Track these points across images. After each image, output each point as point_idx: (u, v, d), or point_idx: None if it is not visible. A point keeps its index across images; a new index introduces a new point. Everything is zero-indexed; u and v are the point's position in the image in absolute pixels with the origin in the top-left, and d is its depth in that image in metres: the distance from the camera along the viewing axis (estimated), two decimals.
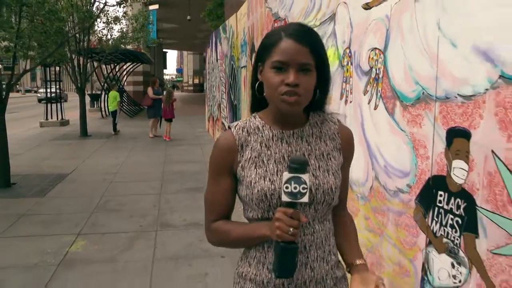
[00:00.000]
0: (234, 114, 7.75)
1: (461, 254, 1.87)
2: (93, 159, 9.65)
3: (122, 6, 11.55)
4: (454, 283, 1.92)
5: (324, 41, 3.20)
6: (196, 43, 43.06)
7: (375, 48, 2.52)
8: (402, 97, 2.26)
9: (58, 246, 4.52)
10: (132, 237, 4.80)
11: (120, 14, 11.99)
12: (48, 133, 14.10)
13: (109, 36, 14.14)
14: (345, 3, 2.91)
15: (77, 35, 12.15)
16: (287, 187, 1.17)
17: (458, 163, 1.86)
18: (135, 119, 19.55)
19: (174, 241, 4.68)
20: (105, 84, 20.30)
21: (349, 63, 2.88)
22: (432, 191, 2.05)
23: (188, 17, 25.26)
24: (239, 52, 6.89)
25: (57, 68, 16.53)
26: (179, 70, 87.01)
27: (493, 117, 1.66)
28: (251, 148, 1.36)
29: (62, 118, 17.04)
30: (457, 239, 1.88)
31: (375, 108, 2.55)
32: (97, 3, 11.89)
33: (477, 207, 1.76)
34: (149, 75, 26.12)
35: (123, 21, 14.36)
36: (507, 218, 1.60)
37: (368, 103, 2.63)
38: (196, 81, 61.73)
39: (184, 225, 5.18)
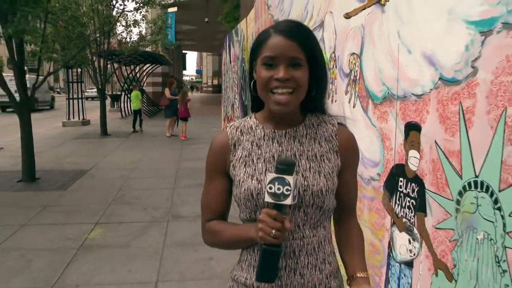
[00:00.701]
0: (245, 113, 8.10)
1: (415, 231, 2.19)
2: (112, 156, 10.12)
3: (139, 11, 12.01)
4: (411, 256, 2.24)
5: None
6: (215, 44, 43.58)
7: (354, 53, 2.85)
8: (373, 97, 2.59)
9: (78, 233, 4.94)
10: (145, 226, 5.19)
11: (139, 17, 12.46)
12: (70, 132, 14.67)
13: (128, 39, 14.68)
14: (331, 12, 3.24)
15: (98, 38, 12.66)
16: (270, 188, 1.16)
17: (412, 153, 2.18)
18: (154, 119, 20.08)
19: (183, 230, 5.06)
20: (125, 85, 20.90)
21: (334, 66, 3.21)
22: (395, 178, 2.37)
23: (206, 19, 25.74)
24: (248, 54, 7.25)
25: (79, 70, 17.12)
26: (199, 71, 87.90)
27: (436, 113, 1.97)
28: (243, 147, 1.37)
29: (83, 118, 17.64)
30: (412, 218, 2.20)
31: (353, 107, 2.88)
32: (116, 8, 12.39)
33: (425, 190, 2.07)
34: (168, 77, 26.70)
35: (142, 24, 14.88)
36: (445, 197, 1.92)
37: (349, 102, 2.96)
38: (215, 82, 62.33)
39: (193, 216, 5.56)
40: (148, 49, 16.86)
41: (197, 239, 4.73)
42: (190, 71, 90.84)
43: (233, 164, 1.36)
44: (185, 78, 71.76)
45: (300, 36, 1.25)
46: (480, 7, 1.69)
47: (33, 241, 4.71)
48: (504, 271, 1.55)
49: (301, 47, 1.24)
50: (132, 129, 14.67)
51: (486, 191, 1.65)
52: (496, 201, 1.60)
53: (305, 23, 3.83)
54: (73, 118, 17.33)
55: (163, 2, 13.88)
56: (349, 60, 2.91)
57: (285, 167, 1.16)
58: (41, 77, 7.61)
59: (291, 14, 4.23)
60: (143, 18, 14.17)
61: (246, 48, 7.58)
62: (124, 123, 17.73)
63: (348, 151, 1.40)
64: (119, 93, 23.44)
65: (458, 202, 1.83)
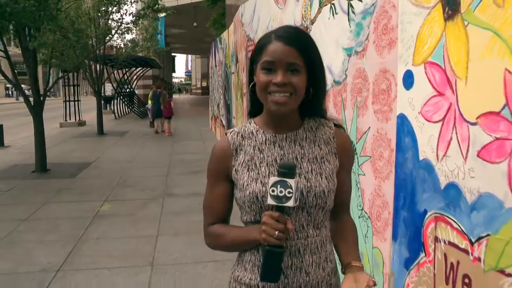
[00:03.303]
0: (228, 111, 9.34)
1: None
2: (111, 152, 11.31)
3: (135, 24, 13.25)
4: None
5: None
6: (204, 47, 44.49)
7: None
8: None
9: (92, 207, 6.15)
10: (145, 202, 6.42)
11: (131, 25, 13.69)
12: (68, 132, 15.80)
13: (122, 45, 15.93)
14: None
15: (95, 44, 13.86)
16: (273, 191, 1.19)
17: None
18: (146, 120, 21.25)
19: (177, 204, 6.30)
20: (118, 88, 22.05)
21: None
22: None
23: (195, 24, 26.97)
24: (230, 60, 8.51)
25: (75, 74, 18.25)
26: (188, 73, 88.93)
27: (332, 101, 3.23)
28: (245, 152, 1.40)
29: (79, 119, 18.77)
30: None
31: None
32: (115, 22, 13.63)
33: None
34: (158, 79, 27.88)
35: (134, 31, 16.08)
36: None
37: None
38: (204, 84, 63.28)
39: (185, 194, 6.80)
40: (140, 54, 18.06)
41: (188, 210, 5.98)
42: (179, 73, 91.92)
43: (235, 169, 1.40)
44: (174, 80, 72.82)
45: (299, 43, 1.30)
46: (347, 41, 2.96)
47: (56, 213, 5.91)
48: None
49: (300, 53, 1.28)
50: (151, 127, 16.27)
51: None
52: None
53: None
54: (70, 119, 18.45)
55: (159, 15, 15.08)
56: None
57: (287, 170, 1.21)
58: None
59: (258, 32, 5.49)
60: (135, 26, 15.36)
61: (228, 55, 8.84)
62: (119, 124, 18.93)
63: (345, 153, 1.46)
64: (112, 95, 24.59)
65: None
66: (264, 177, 1.34)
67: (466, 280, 1.85)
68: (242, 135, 1.43)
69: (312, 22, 3.63)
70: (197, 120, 19.60)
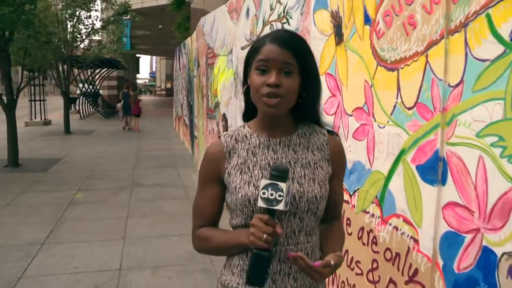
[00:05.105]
0: (191, 112, 10.12)
1: None
2: (79, 149, 11.89)
3: (104, 29, 13.86)
4: None
5: (226, 64, 5.68)
6: (169, 49, 44.64)
7: None
8: None
9: (66, 195, 6.83)
10: (115, 191, 7.14)
11: (101, 31, 14.29)
12: (35, 131, 16.15)
13: (89, 47, 16.45)
14: (235, 45, 5.35)
15: (63, 47, 14.38)
16: (264, 193, 1.20)
17: None
18: (110, 120, 21.73)
19: (144, 193, 7.06)
20: (83, 88, 22.40)
21: (237, 78, 5.31)
22: None
23: (160, 26, 27.51)
24: (193, 64, 9.31)
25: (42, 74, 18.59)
26: (152, 75, 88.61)
27: None
28: (238, 155, 1.40)
29: (45, 119, 19.08)
30: None
31: None
32: (86, 27, 14.24)
33: None
34: (123, 80, 28.27)
35: (101, 33, 16.61)
36: None
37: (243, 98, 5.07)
38: (168, 85, 63.34)
39: (151, 185, 7.56)
40: (106, 56, 18.57)
41: (154, 198, 6.76)
42: (143, 74, 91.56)
43: (228, 171, 1.40)
44: (139, 81, 72.64)
45: (293, 45, 1.31)
46: None
47: (34, 200, 6.56)
48: None
49: (293, 55, 1.30)
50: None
51: None
52: None
53: (224, 49, 5.94)
54: (35, 118, 18.76)
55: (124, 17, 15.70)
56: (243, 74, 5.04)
57: (279, 173, 1.22)
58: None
59: (216, 42, 6.33)
60: (102, 30, 15.90)
61: (191, 59, 9.64)
62: (84, 123, 19.36)
63: (337, 160, 1.47)
64: (76, 96, 24.89)
65: None
66: (257, 180, 1.34)
67: (348, 222, 2.74)
68: (236, 138, 1.44)
69: (258, 37, 4.49)
70: (162, 120, 20.26)
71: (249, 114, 1.50)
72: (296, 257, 1.25)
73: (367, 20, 2.41)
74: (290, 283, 1.36)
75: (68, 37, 14.26)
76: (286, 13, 3.65)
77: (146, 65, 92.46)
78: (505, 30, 1.52)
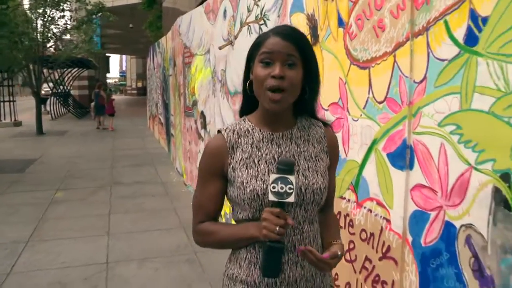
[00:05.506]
0: (166, 110, 10.25)
1: None
2: (54, 149, 11.84)
3: (78, 30, 13.80)
4: None
5: (203, 63, 5.86)
6: (140, 48, 44.40)
7: (222, 69, 5.15)
8: (230, 92, 4.90)
9: (46, 195, 6.88)
10: (95, 190, 7.23)
11: (74, 31, 14.20)
12: (5, 132, 15.90)
13: (61, 47, 16.31)
14: (212, 44, 5.54)
15: (34, 46, 14.26)
16: (274, 187, 1.24)
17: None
18: (83, 120, 21.55)
19: (124, 190, 7.17)
20: (54, 89, 22.12)
21: (214, 76, 5.51)
22: None
23: (131, 25, 27.36)
24: (168, 64, 9.44)
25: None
26: (122, 74, 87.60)
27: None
28: (242, 150, 1.41)
29: (15, 120, 18.78)
30: None
31: (223, 98, 5.19)
32: (59, 27, 14.15)
33: None
34: (94, 80, 28.00)
35: (72, 32, 16.49)
36: None
37: (221, 96, 5.27)
38: (140, 84, 62.74)
39: (130, 183, 7.68)
40: (79, 55, 18.43)
41: (134, 195, 6.88)
42: (114, 73, 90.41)
43: (232, 166, 1.41)
44: (109, 80, 71.73)
45: (296, 38, 1.35)
46: None
47: (14, 201, 6.60)
48: None
49: (296, 47, 1.33)
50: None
51: None
52: None
53: (201, 49, 6.11)
54: (5, 119, 18.46)
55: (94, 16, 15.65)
56: (220, 73, 5.23)
57: (286, 167, 1.26)
58: None
59: (193, 42, 6.50)
60: (74, 29, 15.78)
61: (166, 58, 9.75)
62: (56, 124, 19.16)
63: (333, 151, 1.53)
64: (47, 96, 24.51)
65: None
66: (264, 174, 1.37)
67: None
68: (237, 133, 1.44)
69: (236, 37, 4.69)
70: (134, 120, 20.22)
71: (247, 109, 1.53)
72: (305, 250, 1.31)
73: (340, 23, 2.65)
74: (298, 271, 1.40)
75: (38, 36, 14.11)
76: (264, 15, 3.86)
77: (116, 64, 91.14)
78: (459, 34, 1.78)
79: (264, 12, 3.86)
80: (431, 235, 2.00)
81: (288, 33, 1.36)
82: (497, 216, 1.65)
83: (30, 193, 7.06)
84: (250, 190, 1.35)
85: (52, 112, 22.35)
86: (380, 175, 2.33)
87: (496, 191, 1.65)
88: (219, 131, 1.48)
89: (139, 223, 5.48)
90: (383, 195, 2.32)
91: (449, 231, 1.89)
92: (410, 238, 2.14)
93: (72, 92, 27.32)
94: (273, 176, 1.25)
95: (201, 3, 6.31)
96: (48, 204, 6.37)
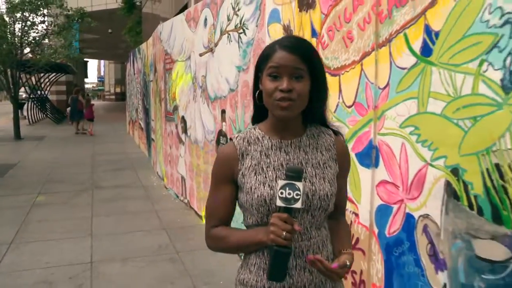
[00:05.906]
0: (147, 115, 10.36)
1: None
2: (33, 154, 11.82)
3: (59, 35, 13.80)
4: None
5: (184, 70, 6.03)
6: (119, 53, 44.21)
7: (203, 75, 5.34)
8: (210, 98, 5.09)
9: (28, 199, 6.93)
10: (76, 193, 7.31)
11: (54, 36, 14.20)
12: None
13: (39, 52, 16.24)
14: (193, 51, 5.72)
15: (13, 49, 14.21)
16: (281, 193, 1.27)
17: (224, 123, 4.70)
18: (61, 125, 21.42)
19: (105, 193, 7.26)
20: (32, 94, 21.95)
21: (195, 82, 5.69)
22: (219, 136, 4.87)
23: (110, 30, 27.31)
24: (149, 69, 9.57)
25: None
26: (101, 79, 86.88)
27: (229, 103, 4.50)
28: (251, 156, 1.46)
29: None
30: None
31: (203, 103, 5.37)
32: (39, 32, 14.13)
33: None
34: (72, 85, 27.83)
35: (51, 37, 16.46)
36: None
37: (202, 101, 5.45)
38: (118, 90, 62.25)
39: (111, 187, 7.77)
40: (58, 60, 18.37)
41: (116, 198, 6.99)
42: (91, 78, 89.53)
43: (242, 173, 1.45)
44: (87, 86, 71.09)
45: (302, 50, 1.38)
46: (238, 61, 4.24)
47: None
48: None
49: (303, 60, 1.37)
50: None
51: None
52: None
53: (182, 55, 6.29)
54: None
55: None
56: (201, 79, 5.41)
57: (294, 174, 1.29)
58: None
59: (174, 49, 6.68)
60: (53, 33, 15.76)
61: (147, 64, 9.88)
62: (34, 129, 19.04)
63: (343, 159, 1.55)
64: (24, 101, 24.26)
65: None
66: (272, 180, 1.40)
67: None
68: (248, 141, 1.48)
69: (216, 45, 4.88)
70: (114, 125, 20.20)
71: (258, 117, 1.56)
72: (314, 260, 1.33)
73: (314, 33, 2.87)
74: (306, 276, 1.42)
75: (16, 41, 14.08)
76: (243, 24, 4.07)
77: (94, 69, 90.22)
78: (417, 45, 2.01)
79: (243, 22, 4.06)
80: (394, 226, 2.22)
81: (294, 46, 1.38)
82: (449, 206, 1.88)
83: (11, 197, 7.10)
84: (258, 196, 1.39)
85: (30, 117, 22.17)
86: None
87: (448, 184, 1.88)
88: (231, 139, 1.53)
89: (121, 225, 5.60)
90: (352, 192, 2.53)
91: (409, 222, 2.11)
92: (376, 230, 2.36)
93: (50, 97, 27.12)
94: (281, 182, 1.28)
95: (181, 10, 6.49)
96: (30, 207, 6.43)
